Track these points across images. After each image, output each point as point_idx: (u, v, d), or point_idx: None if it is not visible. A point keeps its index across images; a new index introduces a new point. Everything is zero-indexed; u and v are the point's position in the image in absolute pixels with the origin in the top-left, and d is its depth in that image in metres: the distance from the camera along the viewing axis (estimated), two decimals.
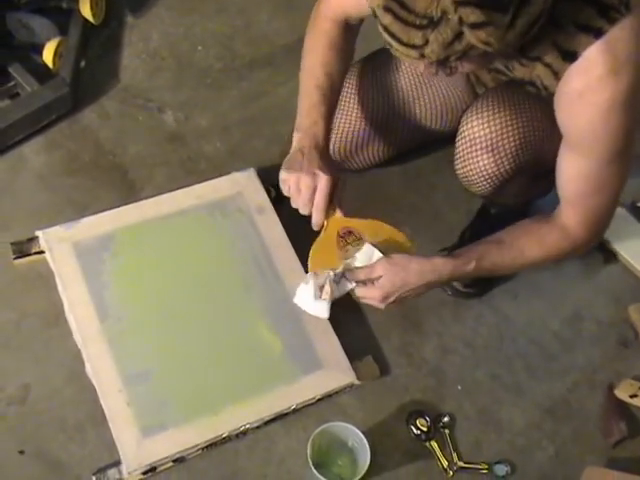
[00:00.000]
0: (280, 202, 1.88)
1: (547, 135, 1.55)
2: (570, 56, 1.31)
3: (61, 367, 1.65)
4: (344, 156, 1.86)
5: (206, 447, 1.58)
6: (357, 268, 1.51)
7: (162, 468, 1.56)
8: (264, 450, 1.62)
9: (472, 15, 1.13)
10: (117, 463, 1.54)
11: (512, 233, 1.55)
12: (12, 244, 1.76)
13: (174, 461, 1.57)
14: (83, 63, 2.07)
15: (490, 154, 1.56)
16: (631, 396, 1.74)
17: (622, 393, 1.75)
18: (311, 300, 1.51)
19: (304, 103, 1.58)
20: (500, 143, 1.55)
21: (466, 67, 1.30)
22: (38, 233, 1.74)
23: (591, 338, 1.85)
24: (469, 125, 1.58)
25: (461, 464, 1.65)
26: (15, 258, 1.75)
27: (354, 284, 1.50)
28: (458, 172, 1.63)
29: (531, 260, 1.54)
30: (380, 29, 1.22)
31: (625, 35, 1.28)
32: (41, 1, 2.07)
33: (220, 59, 2.18)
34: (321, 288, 1.49)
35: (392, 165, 1.96)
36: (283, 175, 1.52)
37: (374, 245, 1.53)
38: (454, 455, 1.66)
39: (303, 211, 1.53)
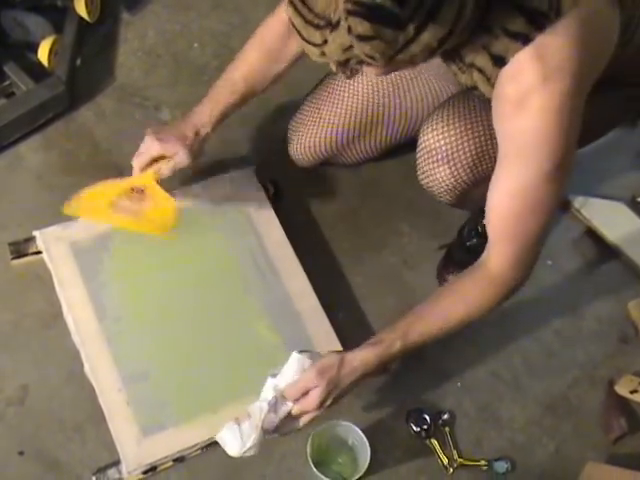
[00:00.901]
0: (278, 199, 1.88)
1: None
2: (500, 61, 1.28)
3: (60, 367, 1.65)
4: (335, 149, 1.86)
5: (206, 446, 1.58)
6: (287, 386, 1.42)
7: (162, 467, 1.56)
8: (263, 449, 1.60)
9: (360, 26, 1.12)
10: (117, 463, 1.54)
11: (435, 298, 1.51)
12: (9, 244, 1.75)
13: (174, 460, 1.56)
14: (79, 61, 2.06)
15: (446, 166, 1.55)
16: (631, 392, 1.74)
17: (622, 389, 1.75)
18: (239, 441, 1.41)
19: (213, 88, 1.72)
20: (456, 154, 1.54)
21: (369, 71, 1.28)
22: (35, 233, 1.73)
23: (591, 334, 1.85)
24: (426, 137, 1.57)
25: (461, 461, 1.65)
26: (12, 258, 1.74)
27: (290, 404, 1.42)
28: (420, 182, 1.63)
29: (459, 320, 1.47)
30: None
31: (556, 41, 1.23)
32: None
33: (217, 56, 2.17)
34: (256, 426, 1.40)
35: (389, 160, 1.96)
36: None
37: (301, 352, 1.45)
38: (454, 452, 1.66)
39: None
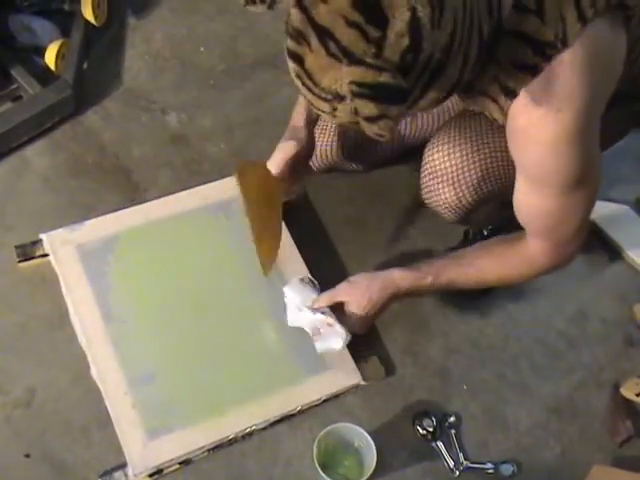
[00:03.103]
0: (285, 203, 1.88)
1: (512, 163, 1.45)
2: (510, 93, 1.27)
3: (66, 370, 1.65)
4: (347, 156, 1.86)
5: (212, 449, 1.58)
6: (316, 300, 1.58)
7: (168, 470, 1.56)
8: (270, 451, 1.62)
9: (366, 108, 1.11)
10: (123, 465, 1.54)
11: (476, 251, 1.56)
12: (16, 247, 1.75)
13: (180, 463, 1.56)
14: (85, 65, 2.07)
15: (451, 187, 1.56)
16: (637, 394, 1.73)
17: (628, 392, 1.74)
18: (333, 337, 1.56)
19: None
20: (461, 176, 1.55)
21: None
22: (42, 236, 1.73)
23: (596, 337, 1.84)
24: (431, 158, 1.58)
25: (467, 464, 1.65)
26: (19, 261, 1.75)
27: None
28: (425, 202, 1.64)
29: (488, 280, 1.56)
30: None
31: (564, 70, 1.23)
32: (43, 3, 2.06)
33: (223, 60, 2.17)
34: (330, 324, 1.55)
35: (397, 164, 1.96)
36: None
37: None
38: (460, 455, 1.65)
39: None
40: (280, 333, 1.69)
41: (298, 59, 1.14)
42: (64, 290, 1.69)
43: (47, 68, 1.99)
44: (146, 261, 1.74)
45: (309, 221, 1.91)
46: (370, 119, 1.12)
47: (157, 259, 1.75)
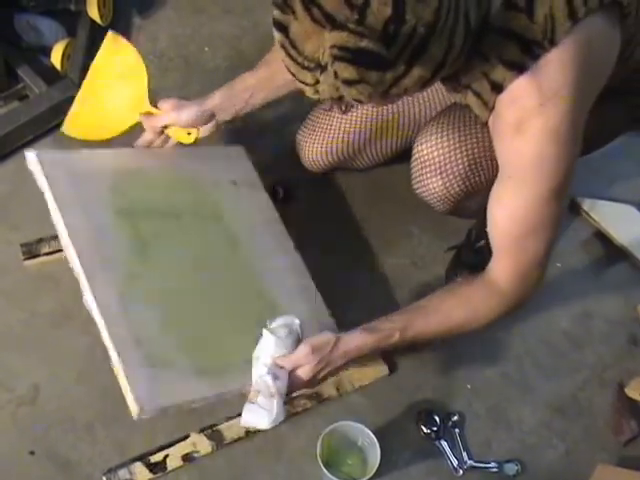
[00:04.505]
0: (288, 203, 1.88)
1: None
2: (498, 87, 1.29)
3: (70, 367, 1.66)
4: (347, 155, 1.86)
5: (216, 447, 1.58)
6: (278, 358, 1.39)
7: (172, 467, 1.56)
8: (274, 450, 1.62)
9: (345, 72, 1.13)
10: (127, 463, 1.54)
11: (439, 296, 1.50)
12: (22, 245, 1.76)
13: (184, 460, 1.56)
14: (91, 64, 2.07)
15: (439, 177, 1.56)
16: None
17: (633, 391, 1.74)
18: (265, 414, 1.38)
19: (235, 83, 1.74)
20: (448, 166, 1.55)
21: (364, 105, 1.29)
22: (28, 153, 1.57)
23: (601, 336, 1.85)
24: (419, 147, 1.58)
25: (471, 463, 1.65)
26: (25, 259, 1.75)
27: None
28: (415, 192, 1.64)
29: (458, 323, 1.48)
30: None
31: (551, 69, 1.24)
32: (49, 3, 2.07)
33: (227, 60, 2.18)
34: (272, 395, 1.38)
35: (398, 163, 1.96)
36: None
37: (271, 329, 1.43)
38: (464, 454, 1.66)
39: None
40: (270, 295, 1.64)
41: (283, 28, 1.16)
42: (54, 215, 1.53)
43: (53, 67, 2.00)
44: (141, 203, 1.64)
45: (311, 220, 1.91)
46: (349, 82, 1.15)
47: (152, 203, 1.65)
